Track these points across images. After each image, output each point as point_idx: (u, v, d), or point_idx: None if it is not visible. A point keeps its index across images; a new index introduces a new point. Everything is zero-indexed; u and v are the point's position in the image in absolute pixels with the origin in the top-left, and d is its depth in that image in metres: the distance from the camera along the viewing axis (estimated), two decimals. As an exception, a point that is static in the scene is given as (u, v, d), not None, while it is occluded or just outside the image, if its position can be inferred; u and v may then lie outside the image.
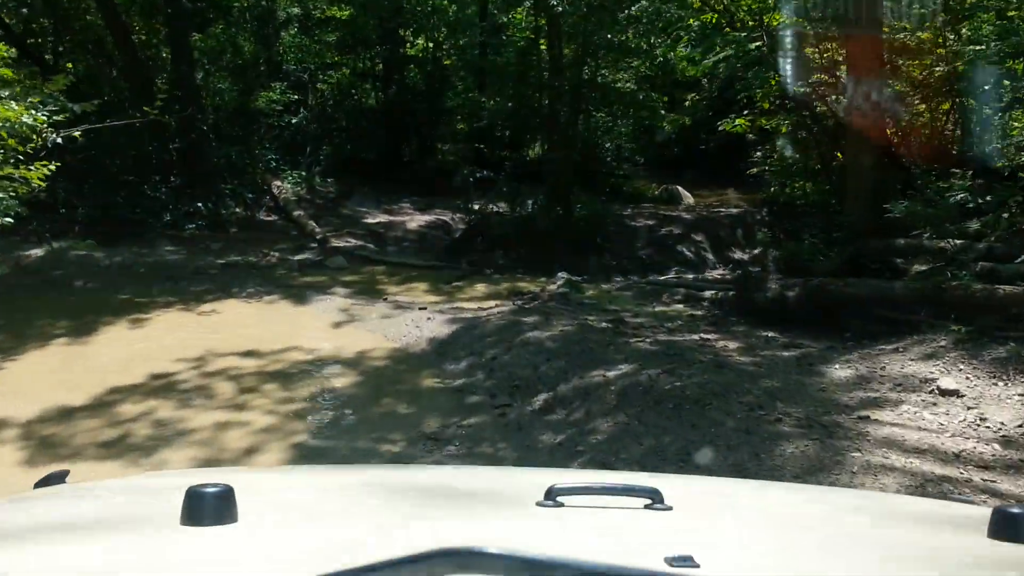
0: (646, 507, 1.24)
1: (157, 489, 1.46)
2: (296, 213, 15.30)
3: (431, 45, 20.85)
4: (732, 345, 7.41)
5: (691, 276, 13.09)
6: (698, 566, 0.94)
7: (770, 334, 8.03)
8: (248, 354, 8.15)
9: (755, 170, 16.89)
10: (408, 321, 9.14)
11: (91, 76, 15.71)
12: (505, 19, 21.20)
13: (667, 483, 1.35)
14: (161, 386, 7.38)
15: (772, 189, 16.15)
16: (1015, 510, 1.17)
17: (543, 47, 20.13)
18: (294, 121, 18.91)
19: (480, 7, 21.04)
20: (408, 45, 20.81)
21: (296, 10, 20.54)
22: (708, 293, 10.32)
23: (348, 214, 16.82)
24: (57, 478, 1.50)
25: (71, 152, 15.14)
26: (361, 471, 2.04)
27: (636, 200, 18.35)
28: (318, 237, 14.01)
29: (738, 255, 16.22)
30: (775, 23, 11.20)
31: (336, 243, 13.90)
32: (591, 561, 0.87)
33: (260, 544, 1.05)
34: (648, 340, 7.43)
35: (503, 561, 0.85)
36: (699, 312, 9.53)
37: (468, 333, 8.47)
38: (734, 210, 17.65)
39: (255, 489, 1.33)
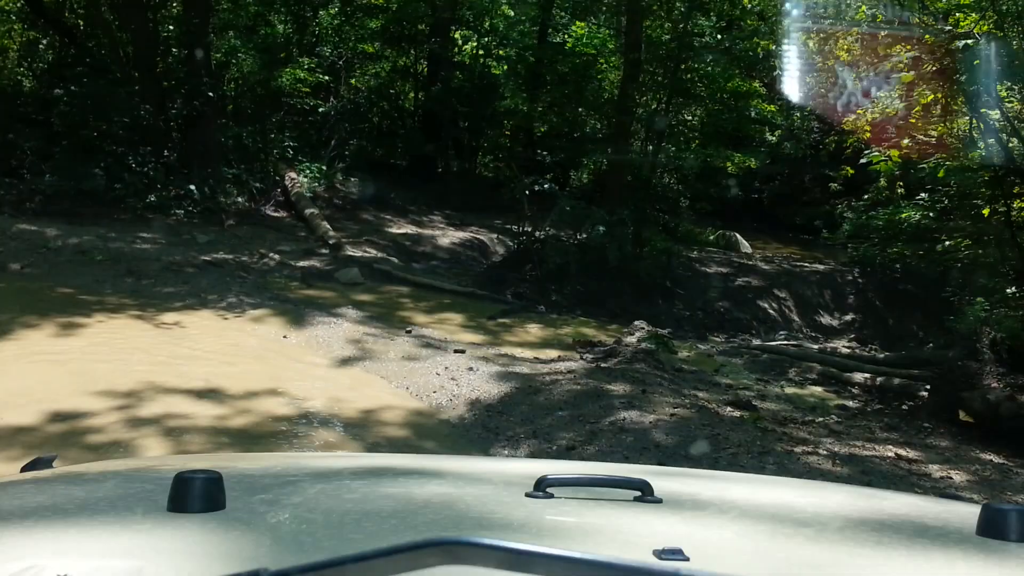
0: (636, 499, 1.22)
1: (146, 475, 1.44)
2: (308, 211, 12.73)
3: (480, 51, 18.53)
4: (956, 477, 4.71)
5: (793, 344, 10.35)
6: (687, 559, 0.93)
7: (998, 459, 5.32)
8: (204, 395, 5.53)
9: (847, 226, 14.48)
10: (440, 368, 6.50)
11: (90, 27, 13.32)
12: (566, 36, 18.92)
13: (657, 476, 1.35)
14: (59, 434, 4.77)
15: (867, 248, 13.68)
16: (1005, 507, 1.13)
17: (607, 65, 17.87)
18: (321, 109, 16.44)
19: (540, 18, 18.75)
20: (455, 49, 18.43)
21: (340, -13, 18.18)
22: (859, 377, 7.62)
23: (370, 220, 14.25)
24: (45, 462, 1.45)
25: (50, 105, 12.74)
26: (351, 459, 1.96)
27: (688, 243, 15.81)
28: (331, 242, 11.42)
29: (826, 319, 13.60)
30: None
31: (352, 252, 11.29)
32: (580, 553, 0.81)
33: (247, 531, 1.02)
34: (821, 453, 4.74)
35: (492, 552, 0.80)
36: (851, 403, 6.85)
37: (527, 398, 5.82)
38: (820, 267, 15.00)
39: (244, 476, 1.34)
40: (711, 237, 17.82)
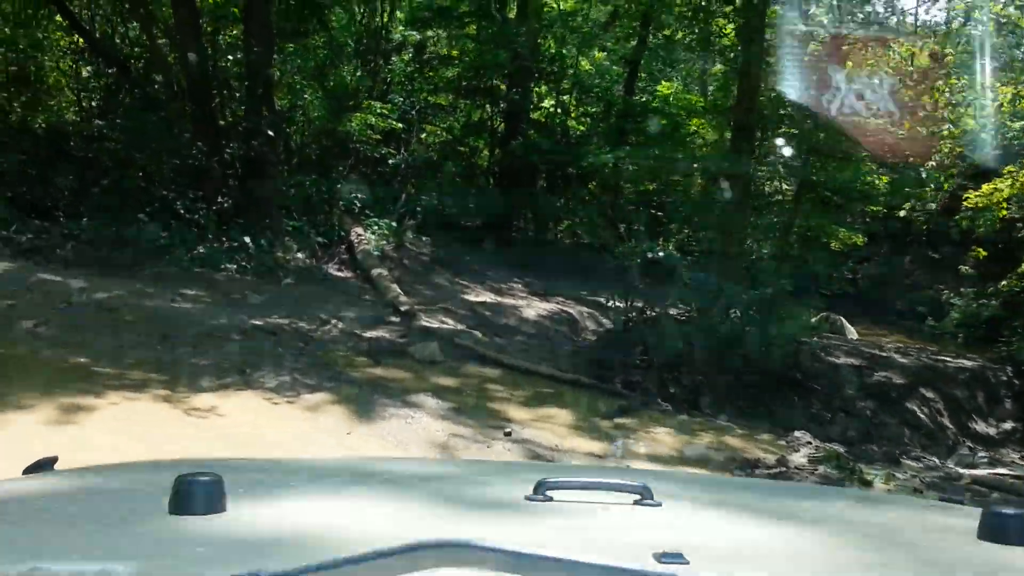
0: (635, 503, 1.22)
1: (148, 477, 1.43)
2: (377, 271, 11.06)
3: (558, 108, 17.06)
4: None
5: (1014, 476, 8.18)
6: (687, 562, 0.92)
7: None
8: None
9: (955, 313, 12.55)
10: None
11: (143, 57, 12.08)
12: (652, 98, 17.41)
13: (657, 480, 1.37)
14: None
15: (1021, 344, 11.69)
16: (1006, 511, 1.13)
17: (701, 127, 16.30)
18: (391, 161, 14.97)
19: (629, 74, 17.27)
20: (534, 103, 16.98)
21: (414, 35, 16.91)
22: None
23: (443, 285, 12.53)
24: (47, 465, 1.44)
25: (95, 141, 11.41)
26: (351, 464, 1.94)
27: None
28: (403, 309, 9.68)
29: (982, 427, 11.39)
30: None
31: (427, 322, 9.53)
32: (579, 556, 0.84)
33: (247, 534, 1.02)
34: None
35: (491, 554, 0.83)
36: None
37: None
38: (966, 363, 12.79)
39: (245, 479, 1.30)
40: (813, 320, 15.82)
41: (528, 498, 1.21)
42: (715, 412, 8.02)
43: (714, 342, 8.44)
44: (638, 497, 1.22)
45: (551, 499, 1.20)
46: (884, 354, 12.58)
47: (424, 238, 13.96)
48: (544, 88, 17.11)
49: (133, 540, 1.00)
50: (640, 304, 9.12)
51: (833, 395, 10.21)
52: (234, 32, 11.43)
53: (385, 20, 16.42)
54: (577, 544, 1.00)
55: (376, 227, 12.85)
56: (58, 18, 13.78)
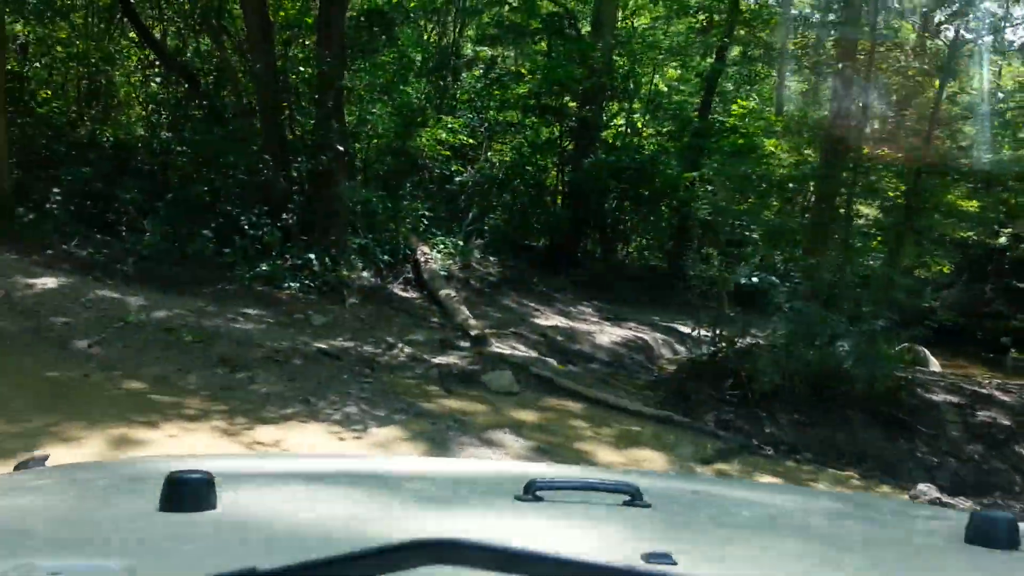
0: (625, 504, 1.22)
1: (138, 474, 1.41)
2: (444, 292, 10.53)
3: (627, 128, 16.43)
4: None
5: None
6: (675, 563, 0.92)
7: None
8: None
9: None
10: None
11: (215, 71, 11.81)
12: (728, 116, 16.67)
13: (647, 481, 1.35)
14: None
15: None
16: (993, 515, 1.14)
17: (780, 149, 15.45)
18: (459, 178, 14.50)
19: (705, 92, 16.56)
20: (606, 121, 16.37)
21: (486, 51, 16.47)
22: None
23: (511, 307, 11.97)
24: (37, 461, 1.44)
25: (161, 154, 11.14)
26: (343, 461, 1.86)
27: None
28: (473, 333, 9.11)
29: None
30: None
31: (499, 347, 8.94)
32: (568, 555, 0.84)
33: (238, 531, 1.02)
34: None
35: (480, 553, 0.83)
36: None
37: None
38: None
39: (236, 476, 1.30)
40: (895, 350, 14.83)
41: (518, 498, 1.20)
42: (818, 455, 7.24)
43: (815, 377, 7.66)
44: (628, 498, 1.22)
45: (541, 499, 1.20)
46: (984, 391, 11.57)
47: (491, 258, 13.44)
48: (616, 106, 16.51)
49: (124, 537, 0.99)
50: (729, 333, 8.37)
51: (938, 437, 9.30)
52: (306, 43, 11.07)
53: (456, 37, 16.06)
54: (566, 544, 1.00)
55: (443, 246, 12.37)
56: (131, 33, 13.76)
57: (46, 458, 1.45)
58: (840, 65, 10.73)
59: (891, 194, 11.61)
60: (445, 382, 7.42)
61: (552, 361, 8.90)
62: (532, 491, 1.20)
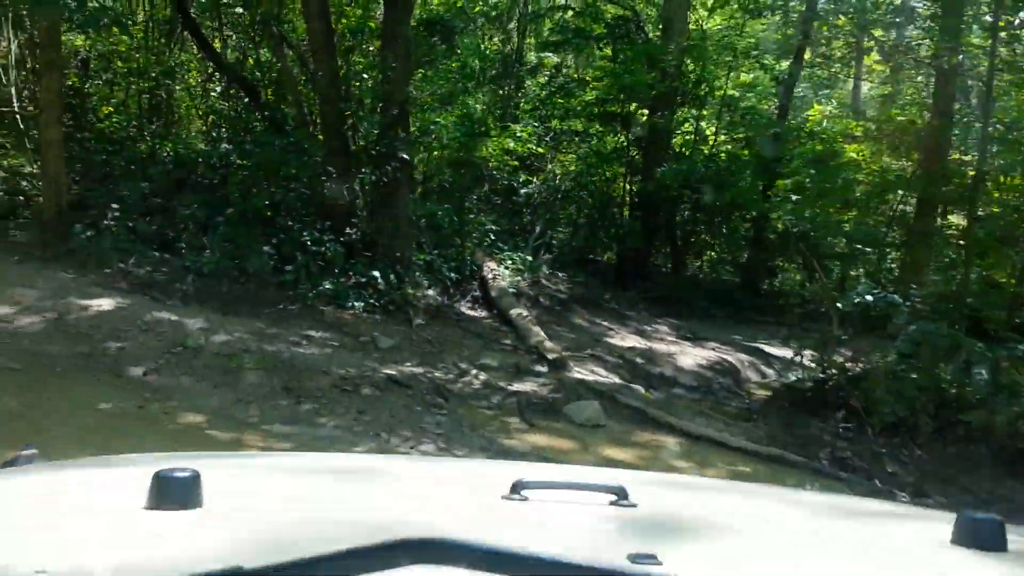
0: (611, 503, 1.22)
1: (124, 472, 1.40)
2: (515, 312, 9.89)
3: (701, 135, 15.62)
4: None
5: None
6: (660, 563, 0.93)
7: None
8: None
9: None
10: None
11: (276, 81, 11.40)
12: (805, 122, 15.73)
13: (633, 480, 1.35)
14: None
15: None
16: (980, 516, 1.15)
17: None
18: (524, 190, 13.88)
19: (782, 97, 15.67)
20: (674, 132, 15.57)
21: (551, 58, 15.86)
22: None
23: (583, 326, 11.27)
24: (24, 459, 1.43)
25: (221, 168, 10.73)
26: (328, 459, 1.93)
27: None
28: (551, 357, 8.44)
29: None
30: None
31: (579, 372, 8.26)
32: (553, 554, 0.84)
33: (224, 529, 1.02)
34: None
35: (465, 552, 0.84)
36: None
37: None
38: None
39: (223, 474, 1.31)
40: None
41: (504, 497, 1.20)
42: (947, 497, 6.39)
43: (939, 408, 6.80)
44: (614, 498, 1.22)
45: (527, 499, 1.20)
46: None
47: (560, 273, 12.77)
48: (684, 112, 15.73)
49: (109, 535, 0.98)
50: (841, 358, 7.54)
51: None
52: (370, 49, 10.56)
53: (519, 44, 15.49)
54: (552, 543, 0.97)
55: (510, 261, 11.74)
56: (191, 46, 13.50)
57: (32, 456, 1.42)
58: (943, 66, 9.84)
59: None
60: (525, 413, 6.76)
61: (639, 388, 8.19)
62: (518, 490, 1.20)
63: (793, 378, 8.88)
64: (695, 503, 1.42)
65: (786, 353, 9.96)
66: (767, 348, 11.63)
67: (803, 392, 7.90)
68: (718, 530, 1.22)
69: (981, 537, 1.11)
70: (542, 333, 9.22)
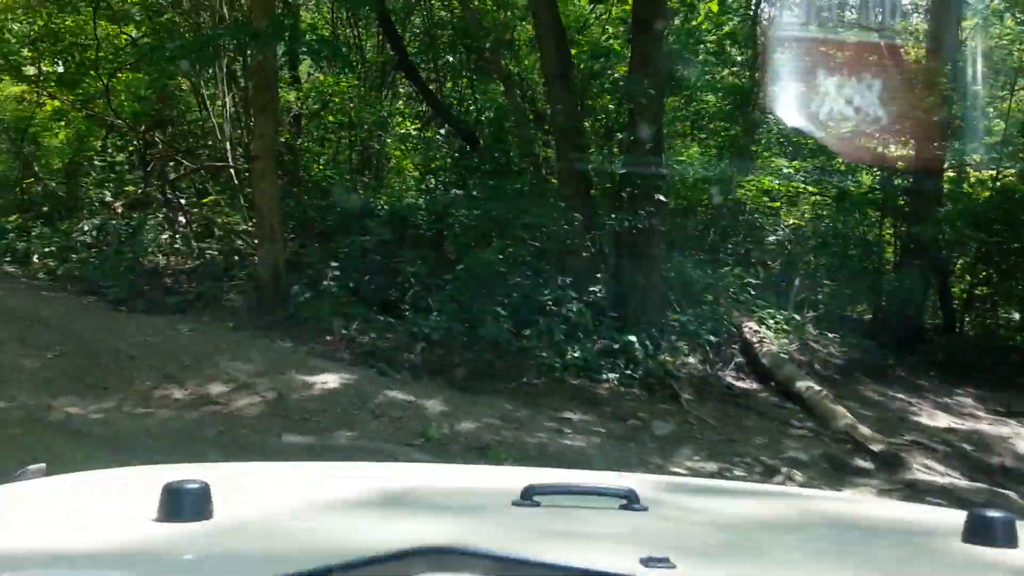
0: (622, 507, 1.20)
1: (135, 484, 1.38)
2: (803, 385, 7.91)
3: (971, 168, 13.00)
4: None
5: None
6: (674, 566, 0.91)
7: None
8: None
9: None
10: None
11: (497, 119, 10.20)
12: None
13: (643, 484, 1.34)
14: None
15: None
16: (990, 514, 1.12)
17: None
18: (773, 238, 11.90)
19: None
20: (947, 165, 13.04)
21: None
22: None
23: (876, 400, 9.08)
24: (34, 472, 1.38)
25: (445, 216, 9.53)
26: (339, 468, 1.89)
27: None
28: (876, 449, 6.40)
29: None
30: None
31: (917, 470, 6.17)
32: (567, 561, 0.84)
33: (235, 540, 1.01)
34: None
35: (479, 559, 0.83)
36: None
37: None
38: None
39: (232, 485, 1.28)
40: None
41: (515, 503, 1.19)
42: None
43: None
44: (624, 502, 1.20)
45: (538, 504, 1.19)
46: None
47: (831, 334, 10.62)
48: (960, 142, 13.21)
49: (120, 547, 0.97)
50: None
51: None
52: (612, 75, 9.10)
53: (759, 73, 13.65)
54: (564, 549, 0.98)
55: (773, 321, 9.78)
56: (401, 94, 12.77)
57: (43, 469, 1.36)
58: None
59: None
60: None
61: (1012, 494, 5.97)
62: (529, 496, 1.19)
63: None
64: (705, 506, 1.39)
65: None
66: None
67: None
68: (730, 532, 1.21)
69: (992, 534, 1.08)
70: (848, 415, 7.18)
